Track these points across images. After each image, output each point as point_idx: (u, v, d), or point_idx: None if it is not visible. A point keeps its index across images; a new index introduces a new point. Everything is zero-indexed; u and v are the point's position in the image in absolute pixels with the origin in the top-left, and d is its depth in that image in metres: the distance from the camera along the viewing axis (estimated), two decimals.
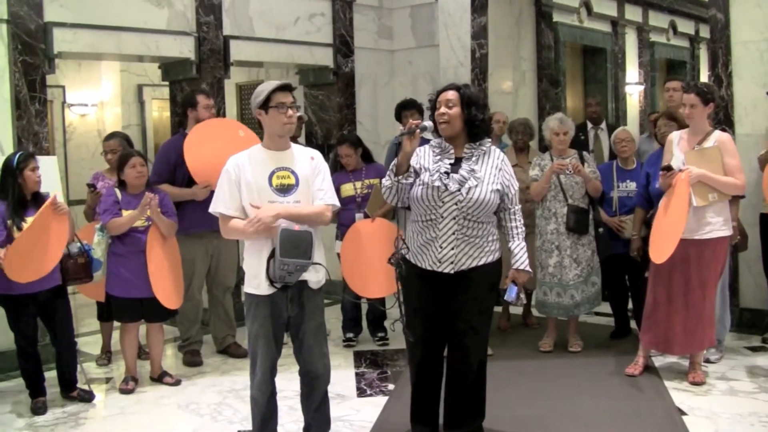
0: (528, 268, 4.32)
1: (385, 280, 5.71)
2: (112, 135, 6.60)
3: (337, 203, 4.23)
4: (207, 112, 6.30)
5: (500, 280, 4.37)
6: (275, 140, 4.07)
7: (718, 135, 5.42)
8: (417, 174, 4.18)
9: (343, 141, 6.70)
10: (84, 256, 5.42)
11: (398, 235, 4.24)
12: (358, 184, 6.49)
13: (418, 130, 4.06)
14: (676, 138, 5.56)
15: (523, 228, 4.34)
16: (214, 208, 4.09)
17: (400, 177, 4.14)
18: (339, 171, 6.63)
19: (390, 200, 4.25)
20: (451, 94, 4.19)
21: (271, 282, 3.93)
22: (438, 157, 4.21)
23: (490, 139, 4.33)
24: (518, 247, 4.29)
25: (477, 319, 4.25)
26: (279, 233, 3.84)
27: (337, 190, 6.38)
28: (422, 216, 4.17)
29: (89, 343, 6.88)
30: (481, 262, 4.17)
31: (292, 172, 4.04)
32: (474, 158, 4.19)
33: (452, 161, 4.19)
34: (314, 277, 4.04)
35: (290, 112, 4.00)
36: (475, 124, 4.19)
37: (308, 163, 4.11)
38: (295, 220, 3.94)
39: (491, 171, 4.19)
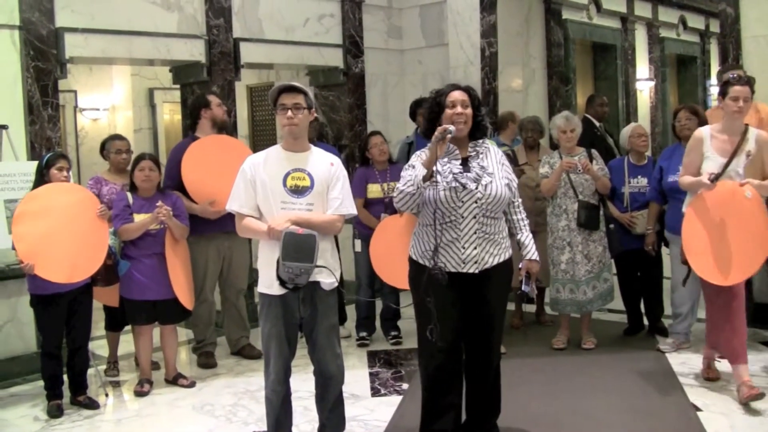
0: (538, 258, 4.38)
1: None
2: (120, 136, 6.57)
3: (353, 212, 4.20)
4: (221, 109, 6.35)
5: (512, 278, 4.36)
6: (289, 141, 4.09)
7: (756, 134, 5.02)
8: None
9: (376, 132, 6.81)
10: (111, 258, 5.46)
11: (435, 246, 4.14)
12: (385, 186, 6.51)
13: (449, 135, 4.00)
14: (707, 136, 5.10)
15: (527, 219, 4.40)
16: (229, 206, 4.13)
17: (428, 183, 4.04)
18: (367, 166, 6.65)
19: (407, 207, 4.15)
20: (464, 95, 4.17)
21: (282, 283, 3.95)
22: (445, 159, 4.15)
23: (486, 138, 4.35)
24: (527, 238, 4.35)
25: (498, 317, 4.28)
26: (282, 237, 3.84)
27: (365, 188, 6.41)
28: (440, 219, 4.09)
29: (104, 347, 6.91)
30: (501, 259, 4.16)
31: (308, 174, 4.05)
32: (480, 156, 4.19)
33: (459, 161, 4.16)
34: (327, 278, 4.05)
35: (289, 113, 3.99)
36: (482, 124, 4.22)
37: (327, 168, 4.10)
38: (307, 227, 3.94)
39: (497, 166, 4.20)
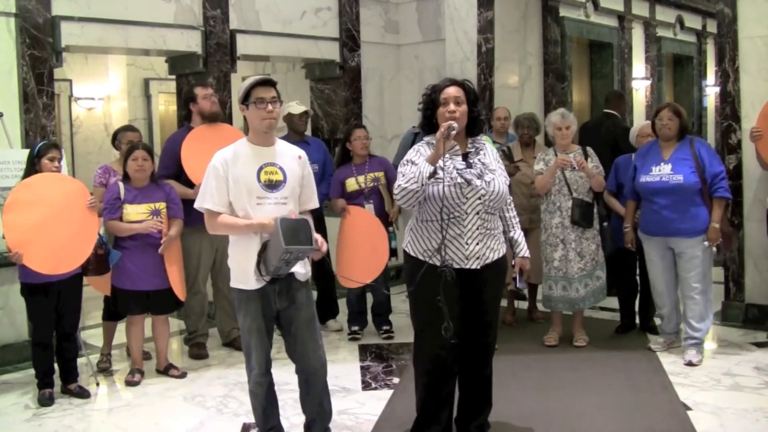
0: (529, 254, 4.47)
1: (369, 267, 6.07)
2: (133, 128, 6.52)
3: (317, 204, 4.32)
4: (208, 101, 6.27)
5: (506, 274, 4.41)
6: (260, 135, 4.05)
7: None
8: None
9: (360, 125, 6.85)
10: (102, 248, 5.45)
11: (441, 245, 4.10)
12: (361, 178, 6.54)
13: (453, 132, 3.98)
14: None
15: (518, 217, 4.49)
16: (200, 204, 4.04)
17: (431, 179, 4.01)
18: (344, 164, 6.67)
19: (409, 204, 4.10)
20: (459, 91, 4.13)
21: (261, 276, 3.94)
22: (447, 155, 4.08)
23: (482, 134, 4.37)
24: (520, 236, 4.43)
25: (495, 312, 4.33)
26: (279, 223, 3.81)
27: (342, 185, 6.46)
28: (447, 215, 4.07)
29: (96, 336, 6.90)
30: (500, 255, 4.20)
31: (280, 168, 4.03)
32: (480, 152, 4.19)
33: (460, 158, 4.15)
34: (302, 269, 4.06)
35: (269, 107, 3.96)
36: (480, 120, 4.24)
37: (296, 161, 4.11)
38: None
39: (495, 163, 4.21)
